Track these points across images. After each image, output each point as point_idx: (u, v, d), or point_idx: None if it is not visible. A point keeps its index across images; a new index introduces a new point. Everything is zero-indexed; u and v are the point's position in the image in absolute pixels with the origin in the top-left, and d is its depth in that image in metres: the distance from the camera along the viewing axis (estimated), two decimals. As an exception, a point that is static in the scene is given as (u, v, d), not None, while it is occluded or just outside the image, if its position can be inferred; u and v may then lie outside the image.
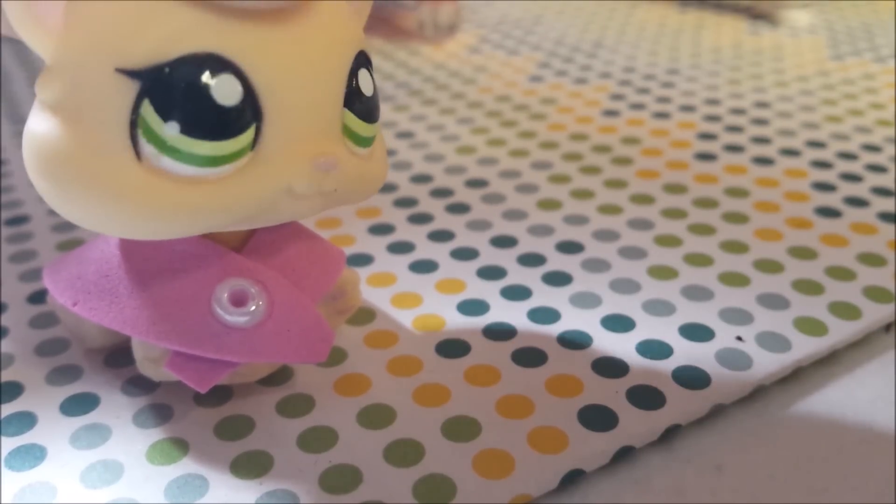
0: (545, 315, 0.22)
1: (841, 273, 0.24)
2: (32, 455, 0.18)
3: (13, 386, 0.20)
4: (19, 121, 0.37)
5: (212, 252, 0.18)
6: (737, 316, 0.22)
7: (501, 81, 0.41)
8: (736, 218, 0.27)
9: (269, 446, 0.18)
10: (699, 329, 0.22)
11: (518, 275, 0.24)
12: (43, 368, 0.21)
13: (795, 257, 0.25)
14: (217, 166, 0.15)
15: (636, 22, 0.51)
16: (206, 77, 0.15)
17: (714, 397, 0.19)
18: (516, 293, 0.23)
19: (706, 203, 0.28)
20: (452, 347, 0.21)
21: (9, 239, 0.27)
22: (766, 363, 0.20)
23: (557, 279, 0.24)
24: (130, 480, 0.17)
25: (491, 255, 0.25)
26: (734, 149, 0.33)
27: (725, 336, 0.21)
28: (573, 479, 0.18)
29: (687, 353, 0.21)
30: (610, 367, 0.20)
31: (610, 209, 0.28)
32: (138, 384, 0.20)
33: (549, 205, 0.29)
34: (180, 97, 0.15)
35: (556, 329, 0.22)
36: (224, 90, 0.15)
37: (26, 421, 0.19)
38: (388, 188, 0.30)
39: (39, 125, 0.15)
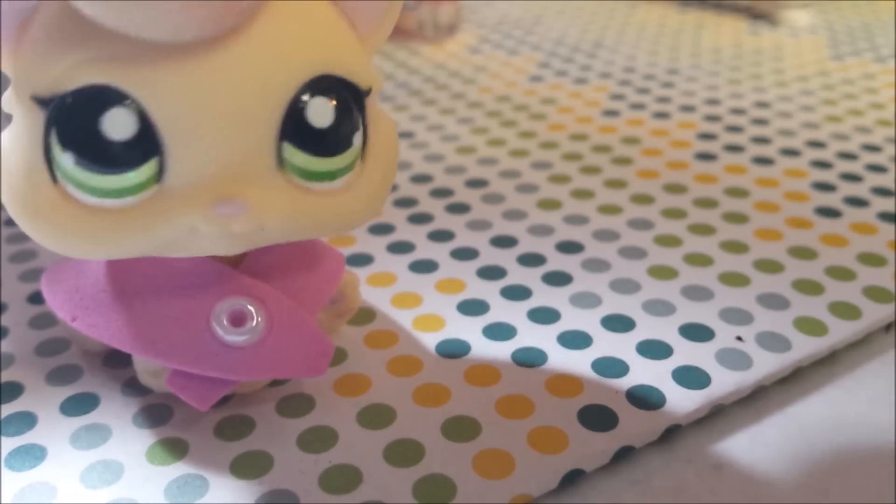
0: (545, 315, 0.22)
1: (841, 273, 0.24)
2: (32, 455, 0.18)
3: (13, 386, 0.20)
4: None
5: (210, 269, 0.18)
6: (737, 316, 0.22)
7: (501, 81, 0.41)
8: (736, 218, 0.27)
9: (269, 446, 0.18)
10: (699, 329, 0.22)
11: (518, 275, 0.24)
12: (43, 368, 0.21)
13: (795, 257, 0.25)
14: (116, 198, 0.15)
15: (636, 22, 0.51)
16: (97, 110, 0.14)
17: (714, 397, 0.19)
18: (516, 293, 0.23)
19: (706, 203, 0.28)
20: (452, 347, 0.21)
21: (9, 239, 0.27)
22: (766, 363, 0.20)
23: (557, 279, 0.24)
24: (130, 480, 0.17)
25: (491, 255, 0.25)
26: (734, 149, 0.33)
27: (725, 336, 0.21)
28: (573, 479, 0.18)
29: (687, 353, 0.21)
30: (610, 367, 0.20)
31: (610, 209, 0.28)
32: (138, 384, 0.20)
33: (549, 205, 0.29)
34: (74, 129, 0.15)
35: (555, 329, 0.22)
36: (114, 124, 0.14)
37: (26, 421, 0.19)
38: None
39: (3, 137, 0.16)
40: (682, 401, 0.19)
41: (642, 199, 0.29)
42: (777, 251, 0.25)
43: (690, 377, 0.20)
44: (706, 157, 0.32)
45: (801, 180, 0.30)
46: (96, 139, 0.14)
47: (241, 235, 0.16)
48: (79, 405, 0.19)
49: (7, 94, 0.16)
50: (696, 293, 0.23)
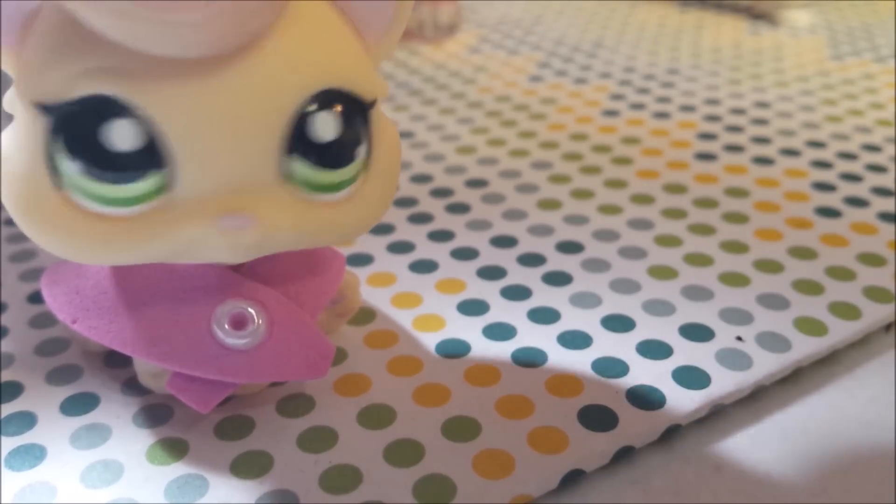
0: (545, 315, 0.22)
1: (841, 273, 0.24)
2: (32, 455, 0.18)
3: (13, 386, 0.20)
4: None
5: (211, 273, 0.18)
6: (737, 316, 0.22)
7: (501, 81, 0.41)
8: (736, 218, 0.27)
9: (269, 446, 0.18)
10: (699, 329, 0.22)
11: (518, 275, 0.24)
12: (43, 368, 0.21)
13: (795, 257, 0.25)
14: (122, 206, 0.15)
15: (636, 22, 0.51)
16: (101, 120, 0.14)
17: (714, 397, 0.19)
18: (516, 293, 0.23)
19: (706, 203, 0.28)
20: (452, 347, 0.21)
21: (9, 239, 0.27)
22: (766, 363, 0.20)
23: (557, 279, 0.24)
24: (130, 480, 0.17)
25: (491, 255, 0.25)
26: (734, 149, 0.33)
27: (725, 336, 0.21)
28: (573, 479, 0.18)
29: (687, 353, 0.21)
30: (610, 367, 0.20)
31: (610, 209, 0.28)
32: (138, 384, 0.20)
33: (549, 205, 0.29)
34: (80, 138, 0.14)
35: (556, 329, 0.22)
36: (119, 135, 0.14)
37: (26, 421, 0.19)
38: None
39: (3, 137, 0.16)
40: (682, 401, 0.19)
41: (642, 199, 0.29)
42: (777, 251, 0.25)
43: (690, 377, 0.20)
44: (706, 157, 0.32)
45: (801, 180, 0.30)
46: (102, 149, 0.14)
47: (248, 246, 0.16)
48: (79, 405, 0.19)
49: (9, 94, 0.16)
50: (696, 293, 0.23)
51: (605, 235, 0.26)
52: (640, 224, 0.27)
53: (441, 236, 0.27)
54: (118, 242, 0.15)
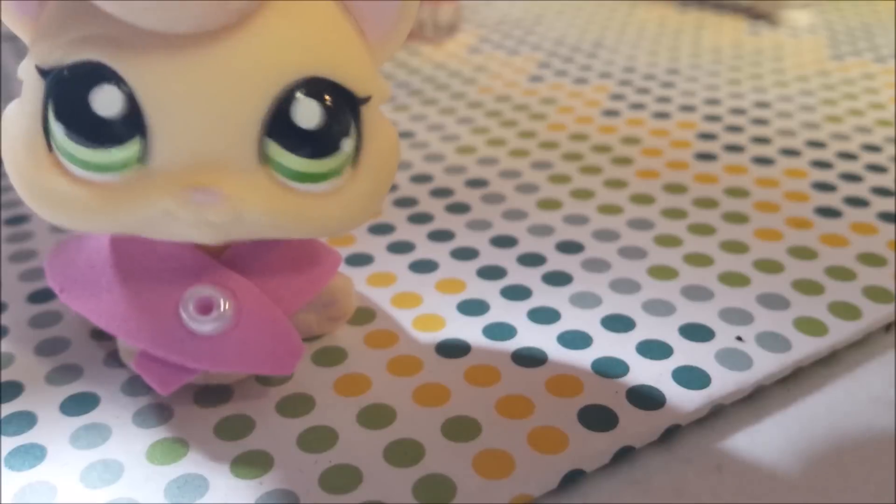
0: (545, 315, 0.22)
1: (841, 273, 0.24)
2: (32, 455, 0.18)
3: (13, 386, 0.20)
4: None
5: (187, 255, 0.18)
6: (737, 316, 0.22)
7: (501, 81, 0.41)
8: (736, 218, 0.27)
9: (269, 446, 0.18)
10: (699, 329, 0.22)
11: (518, 275, 0.24)
12: (43, 368, 0.21)
13: (795, 257, 0.25)
14: (100, 172, 0.16)
15: (636, 22, 0.51)
16: (88, 85, 0.15)
17: (714, 397, 0.19)
18: (516, 293, 0.23)
19: (706, 203, 0.28)
20: (452, 347, 0.21)
21: (9, 239, 0.27)
22: (766, 363, 0.20)
23: (557, 279, 0.24)
24: (130, 480, 0.17)
25: (491, 255, 0.25)
26: (734, 149, 0.33)
27: (725, 336, 0.21)
28: (573, 479, 0.18)
29: (687, 353, 0.21)
30: (610, 367, 0.20)
31: (610, 209, 0.28)
32: (138, 384, 0.20)
33: (549, 205, 0.29)
34: (67, 101, 0.15)
35: (555, 329, 0.22)
36: (103, 100, 0.15)
37: (26, 421, 0.19)
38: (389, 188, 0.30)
39: (11, 104, 0.17)
40: (682, 401, 0.19)
41: (642, 199, 0.29)
42: (777, 251, 0.25)
43: (690, 377, 0.20)
44: (706, 157, 0.32)
45: (801, 180, 0.30)
46: (85, 113, 0.15)
47: (217, 225, 0.16)
48: (79, 405, 0.19)
49: (25, 62, 0.16)
50: (696, 293, 0.23)
51: (605, 235, 0.26)
52: (640, 224, 0.27)
53: (441, 236, 0.27)
54: (95, 208, 0.16)
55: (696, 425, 0.19)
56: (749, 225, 0.27)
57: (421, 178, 0.31)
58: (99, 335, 0.22)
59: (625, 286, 0.24)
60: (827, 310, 0.22)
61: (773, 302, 0.23)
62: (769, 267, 0.24)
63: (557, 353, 0.21)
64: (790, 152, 0.33)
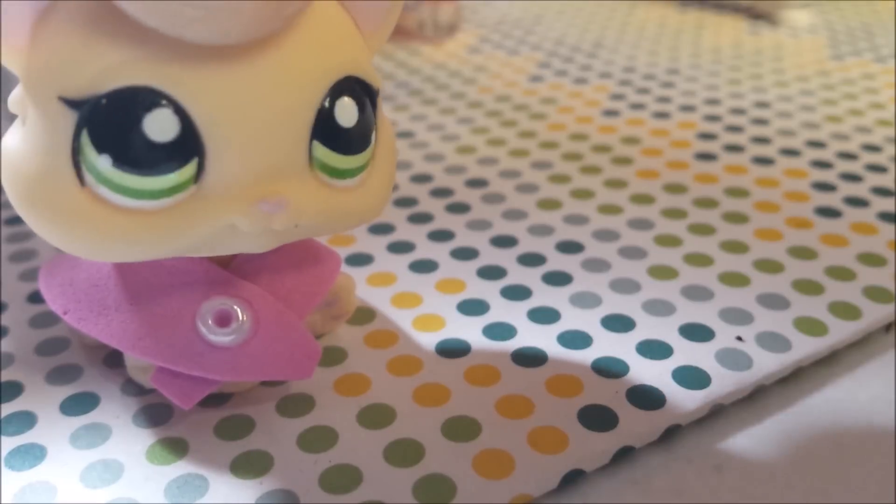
0: (545, 315, 0.22)
1: (841, 273, 0.24)
2: (32, 455, 0.18)
3: (13, 386, 0.20)
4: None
5: (198, 268, 0.18)
6: (737, 316, 0.22)
7: (501, 81, 0.41)
8: (736, 218, 0.27)
9: (269, 446, 0.18)
10: (699, 329, 0.22)
11: (518, 275, 0.24)
12: (43, 368, 0.21)
13: (795, 257, 0.25)
14: (154, 199, 0.15)
15: (636, 22, 0.51)
16: (138, 111, 0.14)
17: (714, 397, 0.19)
18: (516, 293, 0.23)
19: (706, 203, 0.28)
20: (452, 347, 0.21)
21: (9, 238, 0.27)
22: (766, 363, 0.20)
23: (557, 279, 0.24)
24: (130, 480, 0.17)
25: (491, 255, 0.25)
26: (734, 149, 0.33)
27: (725, 336, 0.21)
28: (573, 479, 0.18)
29: (687, 353, 0.21)
30: (610, 367, 0.20)
31: (610, 209, 0.28)
32: (138, 384, 0.20)
33: (549, 205, 0.29)
34: (113, 130, 0.14)
35: (555, 329, 0.22)
36: (157, 126, 0.14)
37: (26, 421, 0.19)
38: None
39: (9, 139, 0.16)
40: (682, 401, 0.19)
41: (642, 199, 0.29)
42: (777, 251, 0.25)
43: (690, 377, 0.20)
44: (706, 157, 0.32)
45: (801, 180, 0.30)
46: (137, 141, 0.14)
47: (279, 233, 0.16)
48: (79, 405, 0.19)
49: (16, 94, 0.16)
50: (696, 293, 0.23)
51: (605, 235, 0.26)
52: (640, 224, 0.27)
53: (441, 236, 0.27)
54: (147, 237, 0.15)
55: (696, 425, 0.19)
56: (749, 225, 0.27)
57: (421, 178, 0.31)
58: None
59: (625, 286, 0.24)
60: (827, 310, 0.22)
61: (773, 302, 0.23)
62: (769, 267, 0.24)
63: (557, 353, 0.21)
64: (790, 152, 0.33)
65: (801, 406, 0.20)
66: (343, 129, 0.16)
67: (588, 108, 0.38)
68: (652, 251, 0.25)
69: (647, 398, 0.19)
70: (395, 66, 0.44)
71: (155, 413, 0.19)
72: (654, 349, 0.21)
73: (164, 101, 0.14)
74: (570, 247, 0.26)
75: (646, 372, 0.20)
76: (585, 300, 0.23)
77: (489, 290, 0.24)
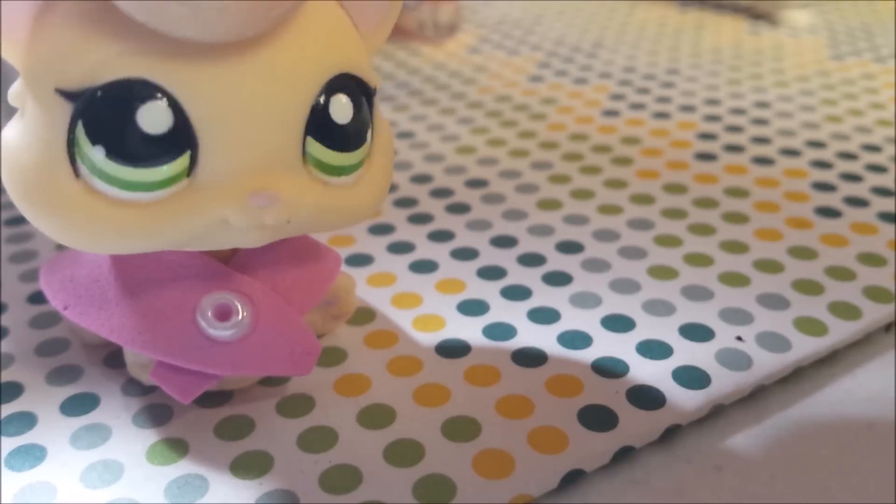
0: (545, 315, 0.22)
1: (841, 273, 0.24)
2: (32, 455, 0.18)
3: (13, 386, 0.20)
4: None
5: (199, 263, 0.18)
6: (737, 316, 0.22)
7: (501, 81, 0.41)
8: (736, 218, 0.27)
9: (269, 446, 0.18)
10: (699, 329, 0.22)
11: (518, 275, 0.24)
12: (43, 368, 0.21)
13: (795, 257, 0.25)
14: (146, 191, 0.15)
15: (636, 22, 0.51)
16: (133, 103, 0.14)
17: (714, 397, 0.19)
18: (516, 293, 0.23)
19: (706, 203, 0.28)
20: (452, 347, 0.21)
21: (9, 239, 0.27)
22: (766, 363, 0.20)
23: (557, 279, 0.24)
24: (130, 480, 0.17)
25: (491, 255, 0.25)
26: (734, 149, 0.33)
27: (725, 336, 0.21)
28: (573, 479, 0.18)
29: (687, 353, 0.21)
30: (610, 367, 0.20)
31: (610, 209, 0.28)
32: (138, 384, 0.20)
33: (549, 205, 0.29)
34: (107, 122, 0.15)
35: (556, 329, 0.22)
36: (151, 118, 0.14)
37: (26, 421, 0.19)
38: (389, 188, 0.30)
39: (8, 132, 0.16)
40: (682, 401, 0.19)
41: (642, 199, 0.29)
42: (777, 251, 0.25)
43: (690, 377, 0.20)
44: (706, 157, 0.32)
45: (801, 180, 0.30)
46: (131, 133, 0.15)
47: (272, 227, 0.16)
48: (79, 405, 0.19)
49: (16, 87, 0.16)
50: (696, 293, 0.23)
51: (605, 235, 0.26)
52: (640, 224, 0.27)
53: (441, 236, 0.27)
54: (139, 228, 0.15)
55: (696, 425, 0.19)
56: (749, 225, 0.27)
57: (421, 179, 0.31)
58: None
59: (625, 286, 0.24)
60: (827, 310, 0.22)
61: (773, 302, 0.23)
62: (769, 267, 0.24)
63: (557, 353, 0.21)
64: (790, 152, 0.33)
65: (801, 406, 0.20)
66: (337, 125, 0.16)
67: (588, 108, 0.38)
68: (652, 251, 0.25)
69: (647, 398, 0.19)
70: (395, 66, 0.44)
71: (155, 413, 0.19)
72: (654, 349, 0.21)
73: (158, 94, 0.15)
74: (570, 247, 0.26)
75: (646, 372, 0.20)
76: (585, 300, 0.23)
77: (489, 291, 0.24)
